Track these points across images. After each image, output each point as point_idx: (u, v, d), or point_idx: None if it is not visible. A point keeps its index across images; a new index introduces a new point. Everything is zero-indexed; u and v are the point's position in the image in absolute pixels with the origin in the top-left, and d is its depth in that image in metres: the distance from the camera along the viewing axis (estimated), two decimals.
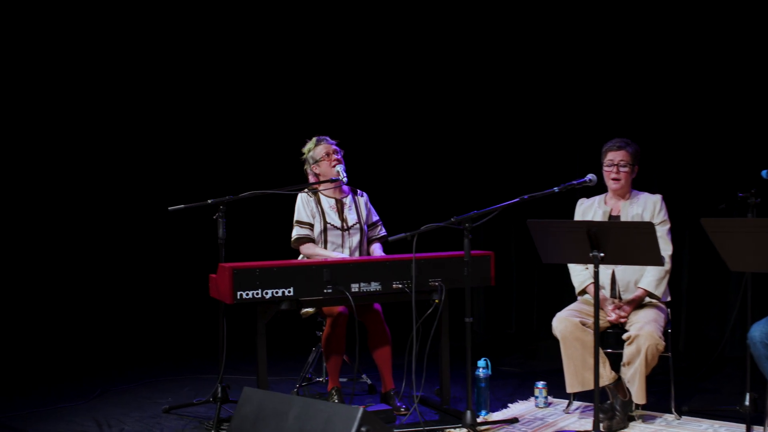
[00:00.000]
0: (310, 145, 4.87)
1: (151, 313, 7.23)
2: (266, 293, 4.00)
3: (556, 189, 4.14)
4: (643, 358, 3.98)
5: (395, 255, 4.40)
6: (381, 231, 4.99)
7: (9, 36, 6.46)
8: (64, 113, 6.85)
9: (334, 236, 4.77)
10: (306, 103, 7.49)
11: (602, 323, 4.21)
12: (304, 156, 4.90)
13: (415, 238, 3.99)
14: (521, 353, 6.32)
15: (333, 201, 4.85)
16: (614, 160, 4.34)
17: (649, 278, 4.25)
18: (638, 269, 4.29)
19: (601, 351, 4.08)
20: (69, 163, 6.93)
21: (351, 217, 4.84)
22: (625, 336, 4.11)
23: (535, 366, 5.84)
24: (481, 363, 4.55)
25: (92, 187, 7.06)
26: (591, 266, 4.37)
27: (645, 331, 3.99)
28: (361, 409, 2.73)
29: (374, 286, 4.20)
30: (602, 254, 3.69)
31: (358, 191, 4.98)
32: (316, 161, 4.80)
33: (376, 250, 4.90)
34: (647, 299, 4.29)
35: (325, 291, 4.12)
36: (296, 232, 4.72)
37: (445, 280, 4.30)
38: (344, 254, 4.69)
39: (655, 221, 4.29)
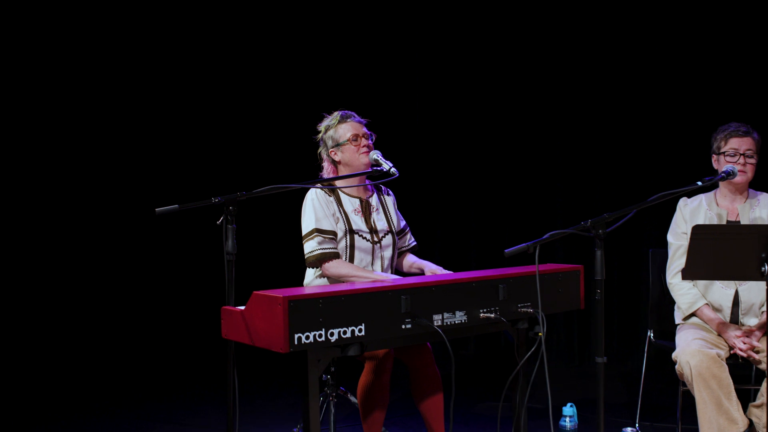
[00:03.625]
0: (330, 121, 3.61)
1: (126, 346, 6.33)
2: (331, 334, 2.71)
3: (699, 183, 3.19)
4: None
5: (473, 272, 3.27)
6: (411, 240, 3.82)
7: None
8: (59, 111, 6.25)
9: (362, 250, 3.54)
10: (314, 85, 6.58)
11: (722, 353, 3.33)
12: (320, 136, 3.63)
13: (537, 250, 2.88)
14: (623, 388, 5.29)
15: (357, 201, 3.61)
16: (740, 148, 3.47)
17: None
18: (762, 289, 3.45)
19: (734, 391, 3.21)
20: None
21: (380, 224, 3.64)
22: None
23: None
24: (568, 411, 3.50)
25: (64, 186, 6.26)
26: (702, 283, 3.50)
27: None
28: None
29: (459, 317, 3.04)
30: None
31: (383, 188, 3.78)
32: (338, 144, 3.55)
33: (415, 264, 3.71)
34: None
35: (403, 327, 2.89)
36: (316, 245, 3.44)
37: (535, 305, 3.23)
38: (381, 274, 3.47)
39: None
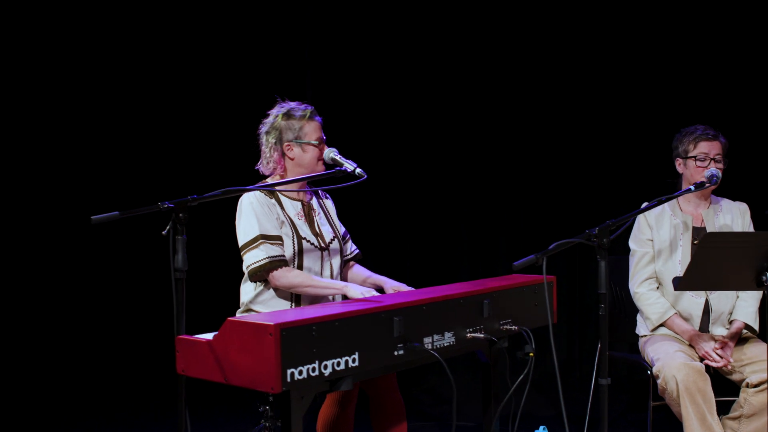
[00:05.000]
0: (298, 111, 3.13)
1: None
2: (325, 367, 2.26)
3: (692, 188, 3.02)
4: None
5: (452, 287, 2.91)
6: (354, 248, 3.40)
7: None
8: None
9: (311, 257, 3.09)
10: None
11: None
12: (274, 122, 3.14)
13: (544, 261, 2.57)
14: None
15: (299, 205, 3.15)
16: (710, 153, 3.34)
17: (750, 308, 3.33)
18: (732, 297, 3.34)
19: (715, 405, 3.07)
20: None
21: (325, 228, 3.21)
22: (755, 380, 3.11)
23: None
24: None
25: None
26: (678, 294, 3.35)
27: None
28: None
29: (448, 339, 2.67)
30: None
31: (321, 192, 3.34)
32: (301, 142, 3.07)
33: (370, 279, 3.30)
34: (743, 333, 3.35)
35: (395, 354, 2.48)
36: (262, 253, 2.94)
37: (516, 321, 2.94)
38: (338, 282, 3.03)
39: None
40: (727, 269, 2.78)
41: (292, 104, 3.18)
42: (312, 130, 3.09)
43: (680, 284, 2.98)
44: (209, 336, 2.39)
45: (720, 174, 3.25)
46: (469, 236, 5.58)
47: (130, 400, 5.18)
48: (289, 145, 3.08)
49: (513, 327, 2.90)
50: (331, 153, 3.02)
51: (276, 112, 3.17)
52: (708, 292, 3.32)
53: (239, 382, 2.21)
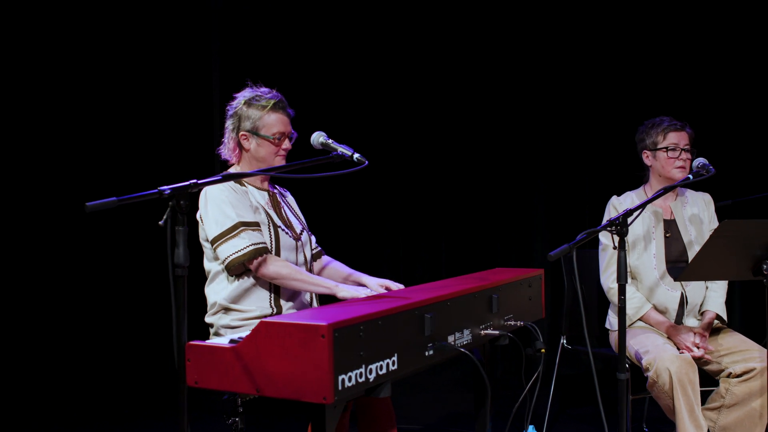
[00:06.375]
0: (259, 100, 2.84)
1: None
2: (370, 372, 2.01)
3: (690, 176, 2.98)
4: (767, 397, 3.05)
5: (457, 280, 2.72)
6: (316, 244, 3.15)
7: None
8: None
9: (287, 248, 2.83)
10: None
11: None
12: (236, 107, 2.86)
13: (574, 252, 2.44)
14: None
15: (266, 195, 2.90)
16: (679, 143, 3.33)
17: (719, 299, 3.36)
18: (703, 288, 3.36)
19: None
20: None
21: (294, 221, 2.96)
22: (739, 369, 3.11)
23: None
24: None
25: None
26: (646, 286, 3.33)
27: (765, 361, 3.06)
28: None
29: (467, 336, 2.49)
30: None
31: (278, 187, 3.08)
32: (258, 134, 2.79)
33: (342, 271, 3.06)
34: (714, 323, 3.37)
35: (426, 354, 2.27)
36: (244, 241, 2.66)
37: (518, 317, 2.80)
38: (326, 281, 2.78)
39: (712, 225, 3.44)
40: (729, 259, 2.77)
41: (260, 90, 2.91)
42: (272, 123, 2.83)
43: (684, 275, 2.94)
44: (220, 341, 2.09)
45: (687, 165, 3.28)
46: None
47: (124, 408, 4.77)
48: (245, 135, 2.83)
49: (517, 322, 2.75)
50: (320, 137, 2.72)
51: (240, 97, 2.90)
52: (684, 284, 3.31)
53: (278, 393, 1.92)
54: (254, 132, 2.82)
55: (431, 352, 2.27)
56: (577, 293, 3.71)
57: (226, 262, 2.69)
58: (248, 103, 2.83)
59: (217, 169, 5.23)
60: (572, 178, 5.32)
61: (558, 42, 5.32)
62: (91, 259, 5.16)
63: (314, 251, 3.10)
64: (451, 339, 2.38)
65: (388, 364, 2.08)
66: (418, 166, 5.49)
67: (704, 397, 3.24)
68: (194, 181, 2.18)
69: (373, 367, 2.01)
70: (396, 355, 2.11)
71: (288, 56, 5.37)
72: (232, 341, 2.07)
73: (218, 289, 2.79)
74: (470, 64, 5.42)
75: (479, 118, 5.43)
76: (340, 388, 1.88)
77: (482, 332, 2.55)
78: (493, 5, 5.37)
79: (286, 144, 2.87)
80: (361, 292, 2.65)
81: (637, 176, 3.52)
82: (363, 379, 1.97)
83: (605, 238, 3.45)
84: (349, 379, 1.92)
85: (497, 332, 2.59)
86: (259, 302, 2.76)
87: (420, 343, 2.22)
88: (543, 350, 2.68)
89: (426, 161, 5.47)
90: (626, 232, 2.57)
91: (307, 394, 1.88)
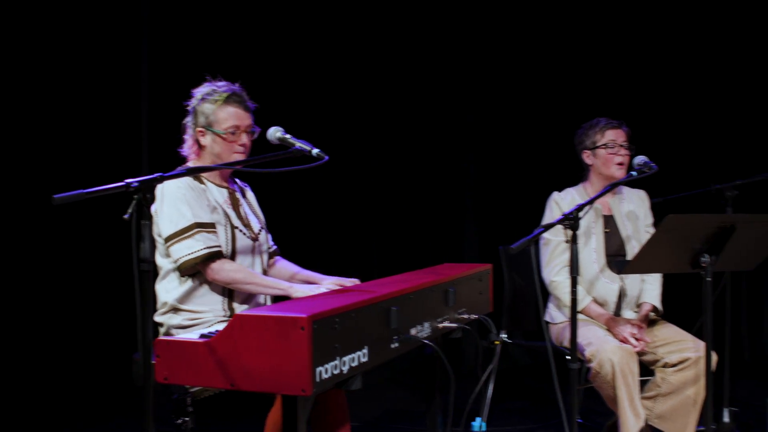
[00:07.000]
0: (213, 95, 2.80)
1: None
2: (344, 364, 2.02)
3: (633, 173, 3.09)
4: (703, 384, 3.19)
5: (414, 274, 2.75)
6: (272, 243, 3.14)
7: None
8: None
9: (244, 249, 2.81)
10: None
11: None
12: (193, 103, 2.82)
13: (532, 246, 2.51)
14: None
15: (225, 192, 2.87)
16: (617, 140, 3.46)
17: (655, 291, 3.51)
18: (639, 281, 3.49)
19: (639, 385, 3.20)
20: None
21: (252, 218, 2.94)
22: (674, 359, 3.25)
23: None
24: (476, 426, 3.15)
25: None
26: (587, 279, 3.43)
27: (702, 350, 3.21)
28: None
29: (426, 328, 2.53)
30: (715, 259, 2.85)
31: (238, 181, 3.05)
32: (212, 130, 2.76)
33: (289, 269, 3.05)
34: (650, 315, 3.52)
35: (392, 346, 2.29)
36: (198, 243, 2.63)
37: (472, 310, 2.86)
38: (282, 282, 2.77)
39: (647, 221, 3.59)
40: (671, 252, 2.89)
41: (216, 84, 2.87)
42: (225, 118, 2.78)
43: (628, 268, 3.05)
44: (190, 337, 2.06)
45: (626, 161, 3.42)
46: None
47: (75, 408, 4.59)
48: (201, 132, 2.81)
49: (471, 315, 2.80)
50: (277, 132, 2.68)
51: (197, 93, 2.87)
52: (623, 277, 3.44)
53: (254, 387, 1.91)
54: (209, 128, 2.78)
55: (397, 345, 2.30)
56: (516, 287, 3.82)
57: (178, 263, 2.65)
58: (203, 98, 2.80)
59: (145, 168, 5.12)
60: (501, 176, 5.44)
61: (488, 39, 5.45)
62: (41, 255, 4.95)
63: (270, 250, 3.08)
64: (413, 331, 2.41)
65: (359, 356, 2.09)
66: (346, 168, 5.49)
67: (641, 386, 3.38)
68: (160, 174, 2.15)
69: (346, 359, 2.02)
70: (366, 347, 2.12)
71: (215, 51, 5.29)
72: (203, 336, 2.04)
73: (169, 288, 2.74)
74: (397, 62, 5.47)
75: (406, 119, 5.49)
76: (317, 380, 1.88)
77: (440, 325, 2.59)
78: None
79: (244, 139, 2.81)
80: (315, 292, 2.65)
81: (579, 175, 3.63)
82: (338, 371, 1.98)
83: (549, 233, 3.55)
84: (326, 371, 1.92)
85: (454, 325, 2.63)
86: (212, 305, 2.73)
87: (387, 335, 2.24)
88: (497, 342, 2.74)
89: (354, 162, 5.49)
90: (578, 226, 2.66)
91: (285, 386, 1.87)
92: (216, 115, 2.78)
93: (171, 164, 2.64)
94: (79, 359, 4.94)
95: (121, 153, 5.06)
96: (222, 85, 2.83)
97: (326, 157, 2.59)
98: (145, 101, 5.19)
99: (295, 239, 5.40)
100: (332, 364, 1.95)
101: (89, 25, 5.06)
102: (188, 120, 2.83)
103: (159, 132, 5.03)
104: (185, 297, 2.71)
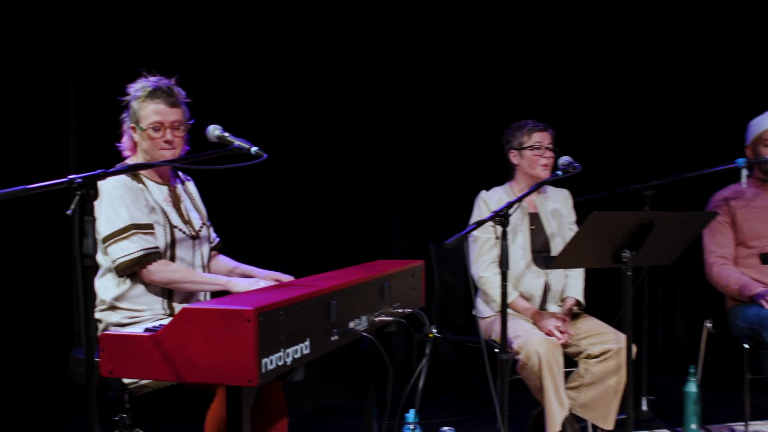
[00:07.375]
0: (138, 91, 2.80)
1: None
2: (287, 356, 2.08)
3: (559, 173, 3.23)
4: (624, 374, 3.36)
5: (349, 270, 2.82)
6: (215, 236, 3.16)
7: None
8: None
9: (183, 248, 2.84)
10: None
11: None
12: (126, 99, 2.81)
13: (466, 242, 2.61)
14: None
15: (166, 189, 2.88)
16: (543, 142, 3.61)
17: (578, 286, 3.67)
18: (563, 276, 3.65)
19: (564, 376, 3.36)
20: None
21: (193, 214, 2.97)
22: (597, 351, 3.41)
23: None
24: (410, 417, 3.23)
25: None
26: (514, 275, 3.56)
27: (623, 342, 3.38)
28: None
29: (364, 322, 2.61)
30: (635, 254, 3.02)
31: (182, 174, 3.07)
32: (138, 126, 2.80)
33: (227, 264, 3.09)
34: (574, 309, 3.67)
35: (332, 339, 2.36)
36: (134, 244, 2.65)
37: (407, 304, 2.96)
38: (221, 277, 2.81)
39: (570, 219, 3.75)
40: (594, 248, 3.03)
41: (147, 80, 2.87)
42: (148, 114, 2.78)
43: (555, 263, 3.19)
44: (134, 331, 2.09)
45: (550, 163, 3.58)
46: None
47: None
48: (132, 128, 2.82)
49: (405, 309, 2.89)
50: (216, 131, 2.70)
51: (129, 88, 2.87)
52: (547, 272, 3.59)
53: (200, 379, 1.95)
54: (137, 124, 2.79)
55: (336, 337, 2.36)
56: (444, 283, 3.92)
57: (115, 263, 2.66)
58: (133, 94, 2.81)
59: (72, 167, 5.03)
60: (427, 176, 5.57)
61: (416, 41, 5.56)
62: None
63: (212, 244, 3.11)
64: (352, 324, 2.48)
65: (302, 348, 2.15)
66: (281, 167, 5.51)
67: (565, 377, 3.53)
68: (102, 170, 2.17)
69: (290, 351, 2.08)
70: (308, 339, 2.19)
71: (149, 46, 5.23)
72: (147, 330, 2.07)
73: (108, 286, 2.75)
74: (330, 61, 5.52)
75: (334, 117, 5.55)
76: (263, 371, 1.94)
77: (376, 319, 2.67)
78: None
79: (168, 135, 2.79)
80: (254, 286, 2.70)
81: (507, 175, 3.76)
82: (282, 362, 2.03)
83: (477, 231, 3.66)
84: (271, 362, 1.98)
85: (390, 318, 2.72)
86: (151, 305, 2.76)
87: (327, 328, 2.31)
88: (431, 335, 2.84)
89: (289, 162, 5.51)
90: (508, 223, 2.78)
91: (232, 377, 1.91)
92: (141, 112, 2.78)
93: (98, 162, 2.63)
94: (7, 357, 4.82)
95: (48, 151, 4.96)
96: (151, 81, 2.82)
97: (265, 155, 2.62)
98: (73, 100, 5.11)
99: (229, 235, 5.41)
100: (277, 355, 2.01)
101: (14, 19, 4.95)
102: (125, 116, 2.84)
103: (87, 129, 4.95)
104: (123, 296, 2.73)
